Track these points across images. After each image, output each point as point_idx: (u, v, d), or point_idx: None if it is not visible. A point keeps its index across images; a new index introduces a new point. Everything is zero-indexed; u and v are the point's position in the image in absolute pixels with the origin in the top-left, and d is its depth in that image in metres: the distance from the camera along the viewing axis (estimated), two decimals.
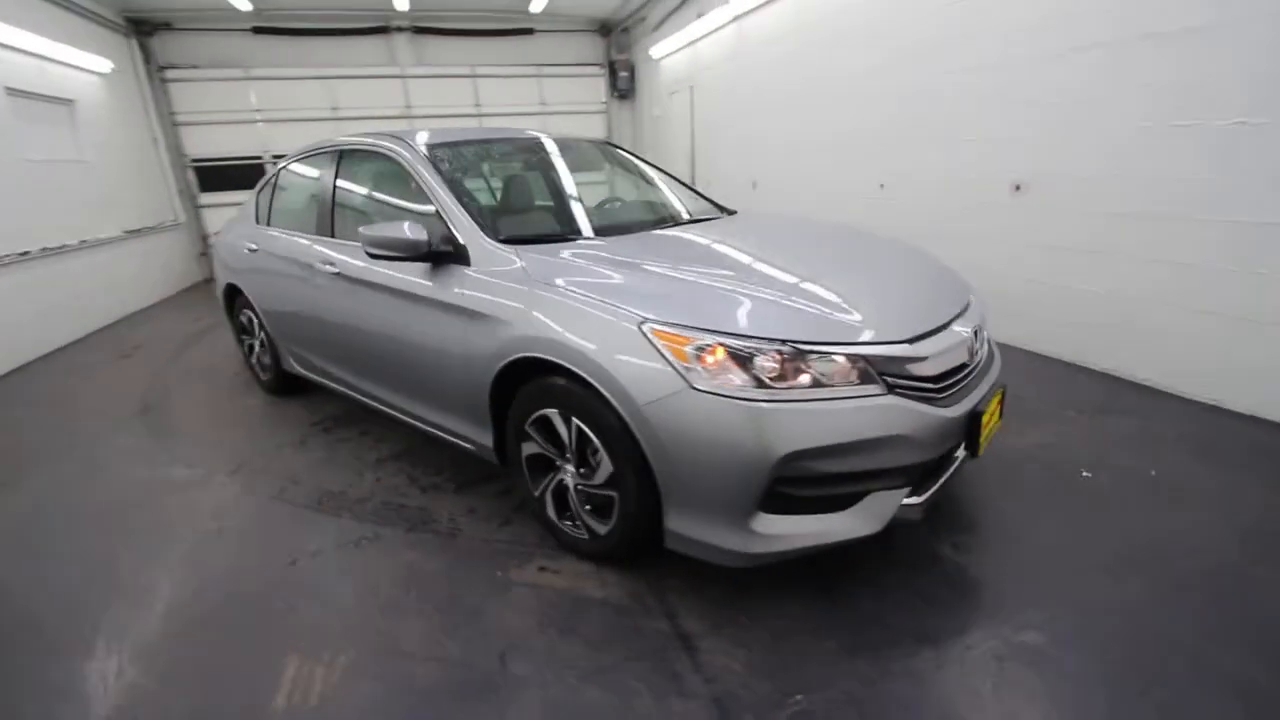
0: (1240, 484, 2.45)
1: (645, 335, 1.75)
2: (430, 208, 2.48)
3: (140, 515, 2.64)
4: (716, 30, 7.04)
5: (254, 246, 3.55)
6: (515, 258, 2.19)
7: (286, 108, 8.57)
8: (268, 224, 3.62)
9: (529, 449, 2.18)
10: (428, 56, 9.11)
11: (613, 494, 1.93)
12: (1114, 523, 2.26)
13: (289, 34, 8.47)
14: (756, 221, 3.03)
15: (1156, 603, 1.87)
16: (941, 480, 1.87)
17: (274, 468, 2.99)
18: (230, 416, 3.69)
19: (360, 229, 2.35)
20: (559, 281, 2.03)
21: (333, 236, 2.99)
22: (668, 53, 8.41)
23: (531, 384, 2.07)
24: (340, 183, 3.04)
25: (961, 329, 1.99)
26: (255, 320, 3.74)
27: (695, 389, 1.66)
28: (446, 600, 2.02)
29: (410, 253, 2.29)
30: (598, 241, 2.43)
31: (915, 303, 2.05)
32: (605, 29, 9.79)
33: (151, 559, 2.32)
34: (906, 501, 1.77)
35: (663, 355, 1.71)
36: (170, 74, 8.05)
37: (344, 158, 3.06)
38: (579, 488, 2.05)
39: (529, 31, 9.42)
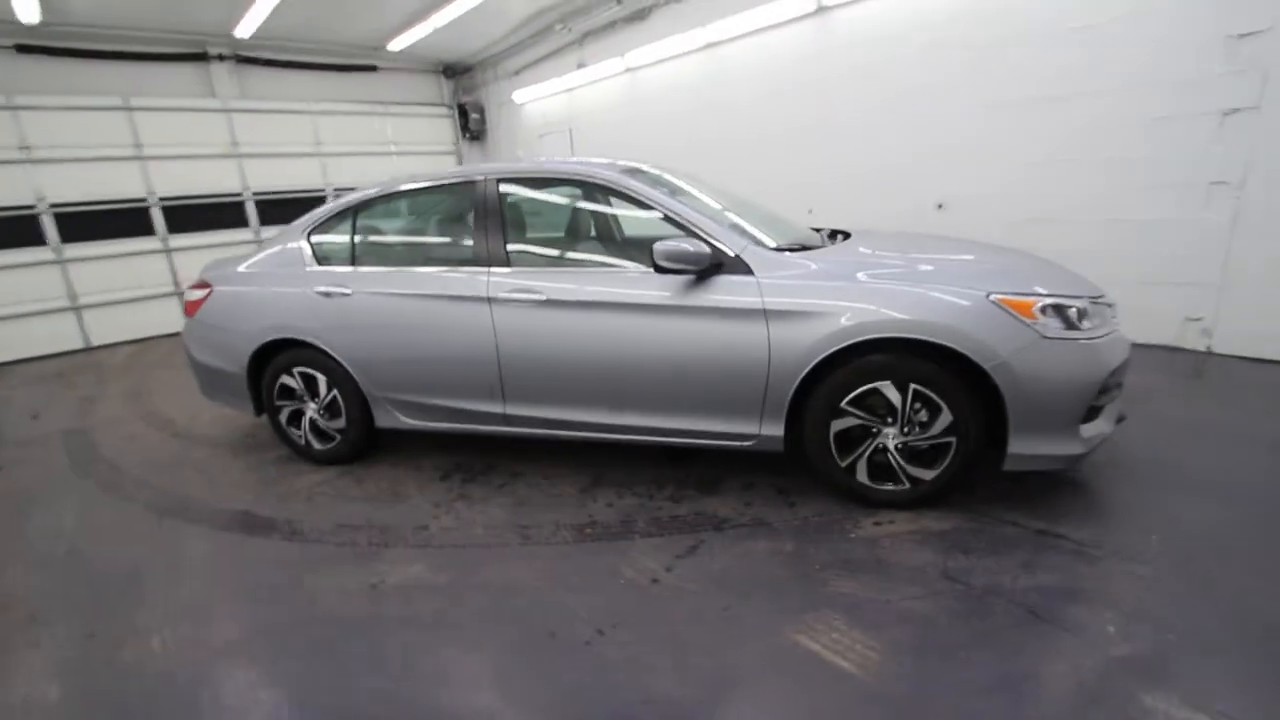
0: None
1: (995, 304, 2.28)
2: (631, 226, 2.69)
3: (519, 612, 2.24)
4: (608, 79, 7.62)
5: (343, 290, 3.09)
6: (809, 262, 2.52)
7: (66, 144, 6.79)
8: (352, 263, 3.19)
9: (840, 425, 2.50)
10: (256, 89, 8.04)
11: (950, 440, 2.39)
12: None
13: (68, 55, 6.77)
14: (880, 234, 3.46)
15: None
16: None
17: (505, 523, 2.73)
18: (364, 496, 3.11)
19: (656, 245, 2.47)
20: (861, 276, 2.45)
21: (508, 265, 2.86)
22: (537, 97, 8.72)
23: (848, 366, 2.42)
24: (518, 210, 2.93)
25: None
26: (321, 379, 3.21)
27: (1045, 338, 2.25)
28: (849, 564, 2.26)
29: (696, 266, 2.48)
30: (836, 247, 2.86)
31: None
32: (450, 71, 9.67)
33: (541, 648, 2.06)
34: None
35: (1014, 317, 2.26)
36: None
37: (497, 186, 2.94)
38: (903, 445, 2.46)
39: (372, 69, 8.89)
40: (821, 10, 5.45)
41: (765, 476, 2.90)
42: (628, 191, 2.78)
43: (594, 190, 2.94)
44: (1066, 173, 4.50)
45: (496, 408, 2.97)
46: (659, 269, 2.51)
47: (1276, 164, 3.64)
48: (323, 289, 3.14)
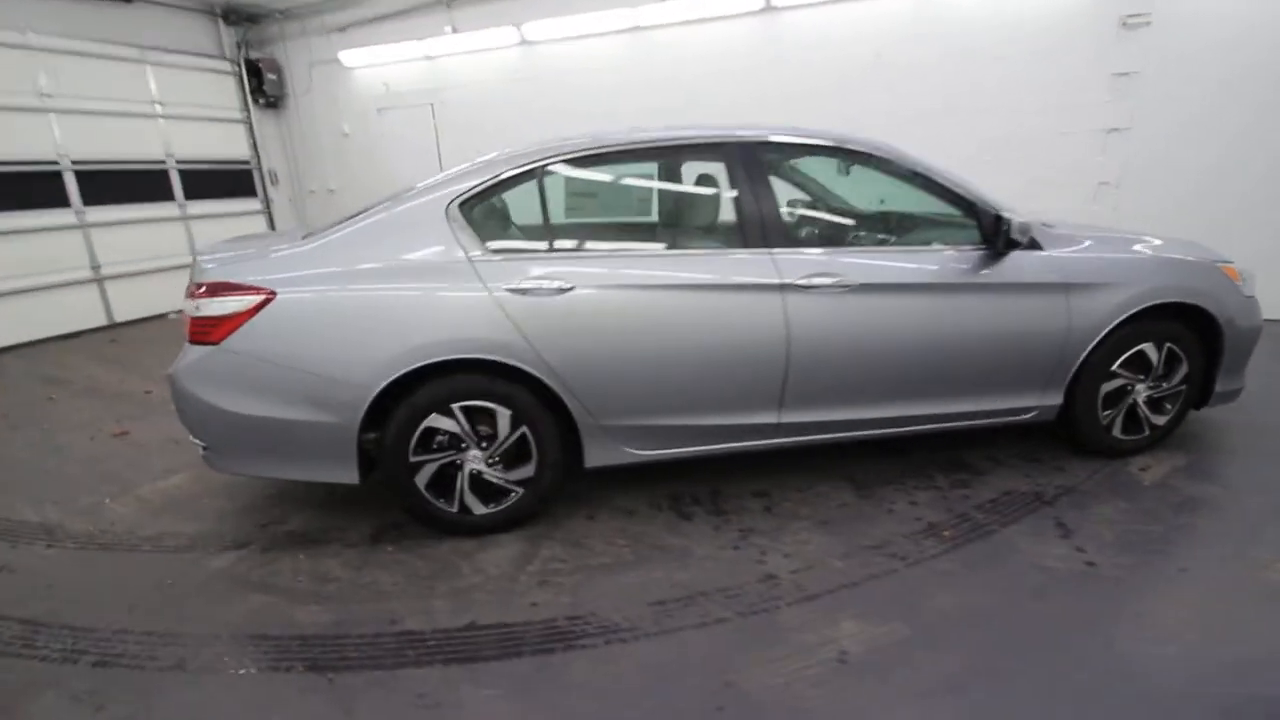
0: None
1: (1221, 271, 2.71)
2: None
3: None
4: (495, 49, 6.67)
5: (556, 284, 2.19)
6: (1085, 239, 2.67)
7: None
8: (549, 247, 2.31)
9: (1109, 386, 2.71)
10: None
11: (1182, 388, 2.78)
12: None
13: None
14: None
15: None
16: None
17: (809, 552, 2.24)
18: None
19: (1015, 220, 2.36)
20: (1138, 248, 2.73)
21: (789, 245, 2.38)
22: (378, 61, 7.20)
23: (1126, 328, 2.63)
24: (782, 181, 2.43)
25: None
26: (502, 413, 2.25)
27: (1246, 296, 2.76)
28: (1190, 502, 2.45)
29: (1026, 241, 2.46)
30: (1084, 225, 3.07)
31: None
32: (231, 15, 7.35)
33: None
34: None
35: (1230, 280, 2.73)
36: None
37: (763, 152, 2.42)
38: (1149, 398, 2.77)
39: None
40: (769, 9, 5.64)
41: (989, 451, 2.96)
42: (908, 165, 2.56)
43: (857, 160, 2.61)
44: (988, 172, 5.48)
45: (769, 418, 2.46)
46: (1010, 244, 2.40)
47: (1142, 170, 5.00)
48: (518, 284, 2.20)
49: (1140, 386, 2.76)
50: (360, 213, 2.40)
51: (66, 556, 2.42)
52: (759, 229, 2.37)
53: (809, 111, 5.47)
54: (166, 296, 6.76)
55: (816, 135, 2.58)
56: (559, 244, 2.36)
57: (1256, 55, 4.47)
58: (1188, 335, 2.71)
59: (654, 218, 2.71)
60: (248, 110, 7.62)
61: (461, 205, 2.28)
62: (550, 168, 2.37)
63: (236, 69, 7.51)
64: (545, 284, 2.21)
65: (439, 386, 2.21)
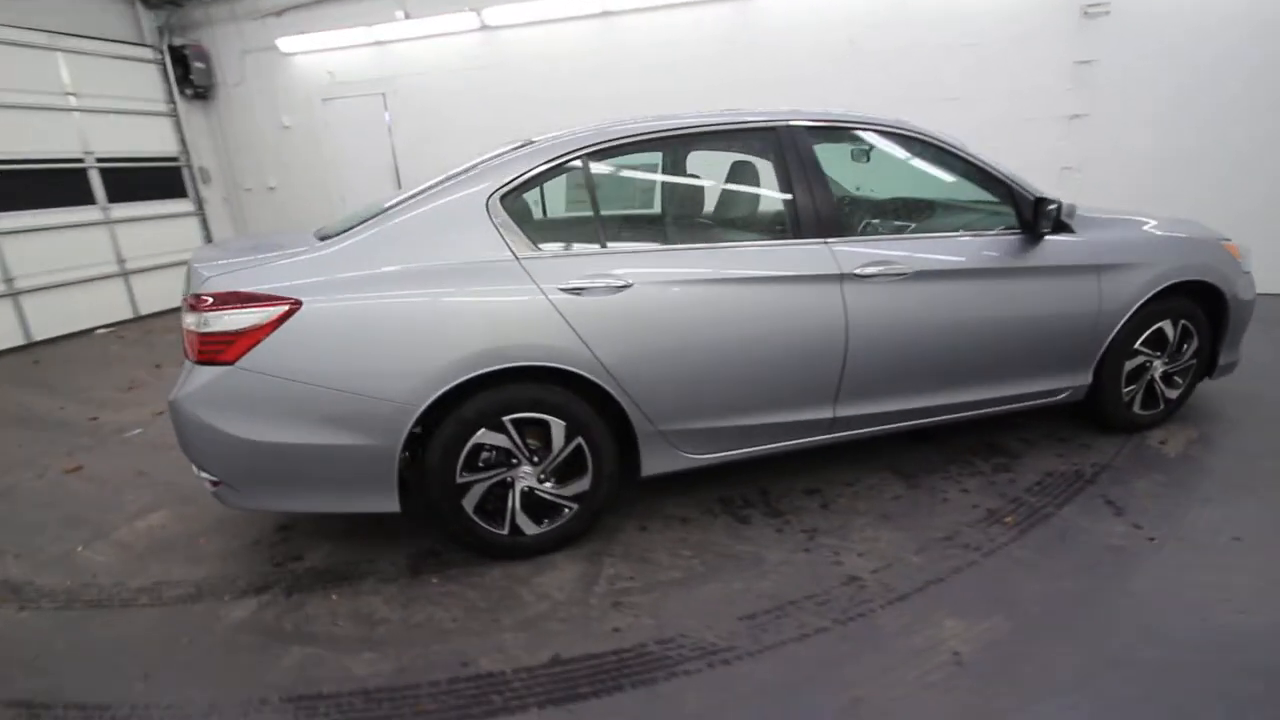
0: None
1: (1225, 249, 2.82)
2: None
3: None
4: (454, 35, 6.31)
5: (614, 281, 2.03)
6: (1106, 221, 2.71)
7: None
8: (600, 242, 2.14)
9: (1131, 364, 2.78)
10: None
11: (1193, 362, 2.89)
12: None
13: None
14: None
15: None
16: None
17: (882, 548, 2.19)
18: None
19: (1065, 204, 2.41)
20: (1149, 230, 2.79)
21: (843, 234, 2.30)
22: (320, 48, 6.70)
23: (1148, 307, 2.70)
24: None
25: None
26: (556, 424, 2.08)
27: (1245, 272, 2.89)
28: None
29: (1071, 223, 2.49)
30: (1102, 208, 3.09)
31: None
32: None
33: None
34: None
35: (1233, 257, 2.84)
36: None
37: (807, 136, 2.32)
38: (1164, 374, 2.86)
39: None
40: None
41: (1018, 433, 2.99)
42: (949, 147, 2.54)
43: (899, 143, 2.55)
44: None
45: (825, 413, 2.38)
46: (1060, 227, 2.41)
47: (1102, 154, 5.23)
48: (572, 283, 2.02)
49: (1157, 363, 2.85)
50: (382, 211, 2.15)
51: (47, 619, 2.08)
52: (814, 218, 2.28)
53: (783, 98, 5.44)
54: (92, 310, 6.12)
55: (875, 120, 2.53)
56: (609, 238, 2.18)
57: (1212, 44, 4.74)
58: (1198, 312, 2.82)
59: (709, 207, 2.57)
60: (174, 102, 6.94)
61: (503, 198, 2.07)
62: (595, 155, 2.19)
63: (160, 56, 6.82)
64: (600, 282, 2.05)
65: (488, 399, 2.01)
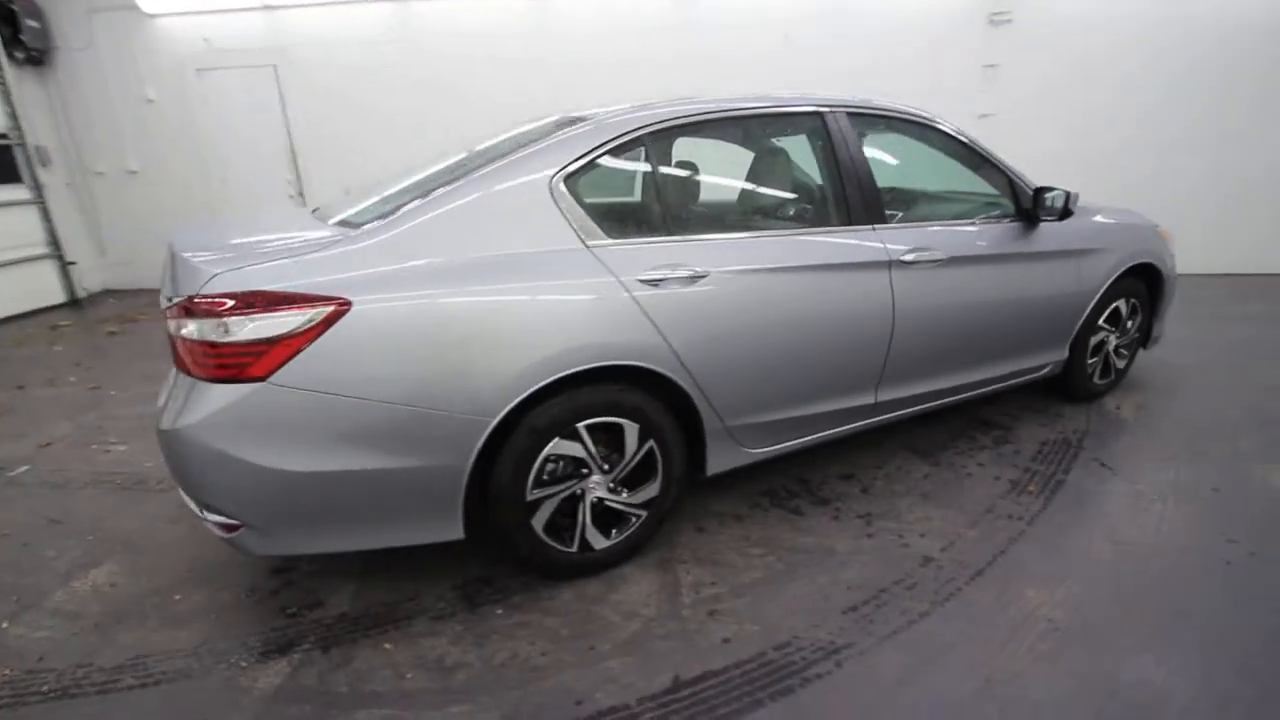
0: None
1: (1158, 234, 3.20)
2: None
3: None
4: (357, 3, 5.68)
5: (691, 272, 1.90)
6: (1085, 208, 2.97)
7: None
8: (666, 231, 1.98)
9: (1095, 339, 3.09)
10: None
11: (1137, 335, 3.27)
12: None
13: None
14: None
15: None
16: None
17: (939, 528, 2.26)
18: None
19: (1070, 192, 2.57)
20: (1101, 219, 3.08)
21: (884, 221, 2.33)
22: (193, 9, 5.79)
23: (1112, 287, 3.00)
24: (869, 158, 2.34)
25: None
26: (629, 428, 1.93)
27: (1172, 254, 3.30)
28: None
29: (1073, 212, 2.70)
30: None
31: None
32: None
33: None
34: None
35: (1164, 242, 3.23)
36: None
37: (850, 122, 2.31)
38: (1117, 346, 3.20)
39: None
40: None
41: (1002, 408, 3.22)
42: (963, 139, 2.66)
43: (916, 132, 2.61)
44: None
45: (868, 398, 2.42)
46: (1065, 214, 2.60)
47: (1008, 152, 5.77)
48: (647, 274, 1.86)
49: (1112, 337, 3.19)
50: (419, 193, 1.85)
51: None
52: (862, 204, 2.29)
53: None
54: None
55: (879, 107, 2.56)
56: (676, 224, 2.04)
57: (1101, 51, 5.38)
58: (1143, 290, 3.19)
59: (772, 192, 2.48)
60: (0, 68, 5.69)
61: (566, 180, 1.86)
62: (660, 134, 2.03)
63: None
64: (676, 272, 1.91)
65: (561, 404, 1.81)
